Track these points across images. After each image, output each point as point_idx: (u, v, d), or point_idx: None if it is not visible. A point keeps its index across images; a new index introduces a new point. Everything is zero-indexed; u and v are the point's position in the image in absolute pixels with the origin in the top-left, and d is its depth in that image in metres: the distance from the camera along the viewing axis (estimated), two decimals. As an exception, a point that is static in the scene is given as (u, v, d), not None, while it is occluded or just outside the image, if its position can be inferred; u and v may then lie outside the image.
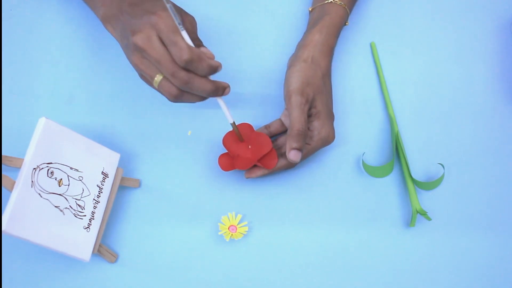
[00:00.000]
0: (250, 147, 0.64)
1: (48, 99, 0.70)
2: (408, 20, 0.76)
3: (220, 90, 0.56)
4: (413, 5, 0.77)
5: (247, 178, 0.65)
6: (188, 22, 0.57)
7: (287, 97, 0.61)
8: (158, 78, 0.54)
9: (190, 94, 0.56)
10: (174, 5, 0.57)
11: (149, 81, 0.56)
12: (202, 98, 0.57)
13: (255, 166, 0.65)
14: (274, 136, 0.67)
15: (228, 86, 0.57)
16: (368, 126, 0.71)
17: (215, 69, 0.54)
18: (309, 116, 0.63)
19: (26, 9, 0.74)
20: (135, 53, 0.54)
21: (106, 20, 0.59)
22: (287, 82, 0.62)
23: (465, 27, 0.76)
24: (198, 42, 0.57)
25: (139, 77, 0.71)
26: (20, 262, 0.64)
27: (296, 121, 0.60)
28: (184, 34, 0.53)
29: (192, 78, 0.53)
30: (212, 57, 0.55)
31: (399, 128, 0.71)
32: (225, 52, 0.73)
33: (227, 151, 0.66)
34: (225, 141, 0.64)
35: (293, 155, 0.60)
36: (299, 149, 0.60)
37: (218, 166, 0.68)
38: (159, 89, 0.55)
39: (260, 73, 0.73)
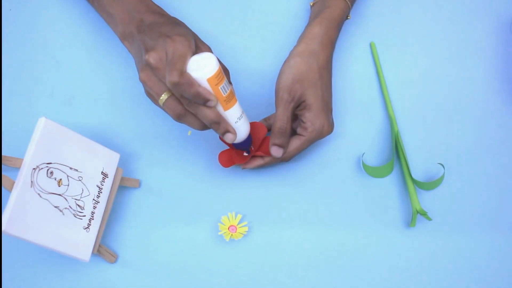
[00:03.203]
0: None
1: (48, 99, 0.70)
2: (408, 20, 0.76)
3: (222, 128, 0.57)
4: (413, 5, 0.77)
5: (243, 169, 0.65)
6: (208, 49, 0.59)
7: (275, 93, 0.63)
8: (164, 96, 0.56)
9: (193, 117, 0.57)
10: (193, 34, 0.59)
11: (155, 98, 0.58)
12: (204, 126, 0.58)
13: (252, 156, 0.65)
14: None
15: (233, 134, 0.58)
16: (368, 126, 0.71)
17: (203, 99, 0.54)
18: (301, 109, 0.64)
19: (26, 9, 0.74)
20: (145, 70, 0.56)
21: (123, 37, 0.62)
22: (278, 78, 0.64)
23: (465, 27, 0.76)
24: (227, 75, 0.59)
25: (139, 77, 0.71)
26: (20, 262, 0.64)
27: (278, 119, 0.62)
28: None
29: (197, 93, 0.55)
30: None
31: (399, 128, 0.71)
32: (224, 51, 0.73)
33: (226, 148, 0.66)
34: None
35: (274, 151, 0.63)
36: (280, 146, 0.62)
37: (218, 166, 0.68)
38: (164, 107, 0.57)
39: (260, 71, 0.73)
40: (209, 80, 0.54)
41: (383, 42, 0.75)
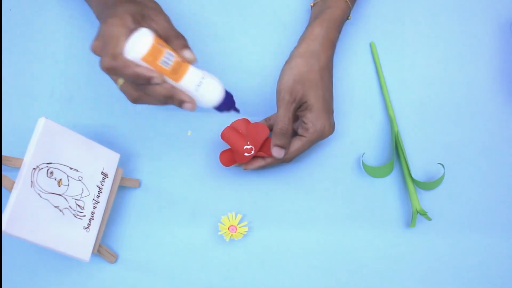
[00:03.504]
0: (248, 142, 0.65)
1: (48, 99, 0.70)
2: (408, 20, 0.76)
3: (176, 101, 0.54)
4: (413, 5, 0.76)
5: (244, 169, 0.65)
6: (162, 20, 0.56)
7: (277, 94, 0.63)
8: (120, 81, 0.55)
9: (148, 96, 0.55)
10: (142, 9, 0.56)
11: (114, 81, 0.57)
12: (163, 102, 0.55)
13: (254, 157, 0.65)
14: None
15: (190, 103, 0.54)
16: (368, 126, 0.71)
17: (144, 78, 0.51)
18: (302, 110, 0.64)
19: (26, 9, 0.74)
20: (102, 59, 0.54)
21: (99, 19, 0.62)
22: (279, 79, 0.64)
23: (466, 27, 0.76)
24: (180, 41, 0.56)
25: None
26: (20, 262, 0.64)
27: (280, 119, 0.62)
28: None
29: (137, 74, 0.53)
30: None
31: (399, 128, 0.71)
32: (225, 49, 0.73)
33: (227, 148, 0.66)
34: (224, 135, 0.65)
35: (275, 152, 0.63)
36: (281, 146, 0.62)
37: (218, 166, 0.68)
38: (122, 90, 0.56)
39: (260, 71, 0.73)
40: (144, 59, 0.51)
41: (383, 42, 0.75)
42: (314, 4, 0.70)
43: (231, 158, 0.65)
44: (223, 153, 0.65)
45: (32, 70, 0.71)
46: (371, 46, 0.74)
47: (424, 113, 0.72)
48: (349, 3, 0.68)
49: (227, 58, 0.73)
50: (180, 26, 0.74)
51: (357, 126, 0.71)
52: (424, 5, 0.76)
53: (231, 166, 0.68)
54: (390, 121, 0.70)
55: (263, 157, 0.65)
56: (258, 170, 0.68)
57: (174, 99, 0.54)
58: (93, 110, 0.70)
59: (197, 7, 0.75)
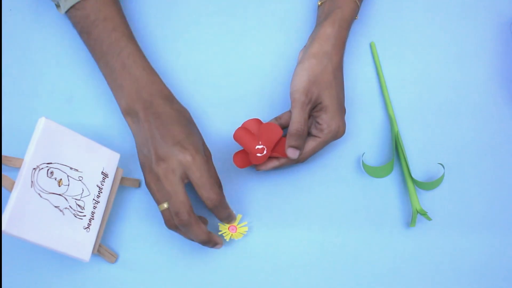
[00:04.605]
0: (260, 142, 0.64)
1: (48, 99, 0.70)
2: (408, 20, 0.76)
3: (211, 243, 0.61)
4: (413, 5, 0.77)
5: (257, 170, 0.65)
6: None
7: (291, 95, 0.63)
8: (164, 205, 0.58)
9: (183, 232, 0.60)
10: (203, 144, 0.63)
11: (155, 200, 0.60)
12: (199, 242, 0.61)
13: (268, 158, 0.65)
14: (285, 128, 0.67)
15: (221, 243, 0.62)
16: (368, 126, 0.71)
17: (231, 220, 0.62)
18: (317, 110, 0.63)
19: (26, 9, 0.74)
20: (152, 175, 0.58)
21: (127, 113, 0.62)
22: (293, 80, 0.63)
23: (465, 27, 0.76)
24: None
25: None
26: (20, 262, 0.64)
27: (295, 121, 0.62)
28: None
29: (192, 224, 0.58)
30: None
31: (399, 128, 0.71)
32: (230, 50, 0.73)
33: (240, 149, 0.65)
34: (236, 136, 0.64)
35: (290, 153, 0.63)
36: (296, 147, 0.62)
37: (218, 166, 0.68)
38: (162, 213, 0.59)
39: (266, 70, 0.72)
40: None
41: (383, 42, 0.75)
42: (321, 3, 0.70)
43: (246, 159, 0.64)
44: (236, 155, 0.64)
45: (32, 70, 0.71)
46: (371, 46, 0.74)
47: (424, 113, 0.72)
48: (358, 3, 0.68)
49: (231, 58, 0.73)
50: (183, 28, 0.74)
51: (357, 126, 0.71)
52: (424, 5, 0.77)
53: (231, 166, 0.68)
54: (390, 121, 0.70)
55: (277, 158, 0.64)
56: (259, 170, 0.68)
57: (210, 243, 0.60)
58: (93, 110, 0.70)
59: (200, 9, 0.75)
